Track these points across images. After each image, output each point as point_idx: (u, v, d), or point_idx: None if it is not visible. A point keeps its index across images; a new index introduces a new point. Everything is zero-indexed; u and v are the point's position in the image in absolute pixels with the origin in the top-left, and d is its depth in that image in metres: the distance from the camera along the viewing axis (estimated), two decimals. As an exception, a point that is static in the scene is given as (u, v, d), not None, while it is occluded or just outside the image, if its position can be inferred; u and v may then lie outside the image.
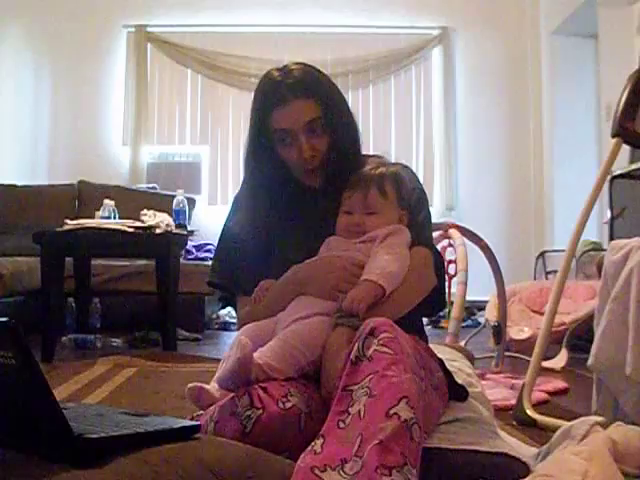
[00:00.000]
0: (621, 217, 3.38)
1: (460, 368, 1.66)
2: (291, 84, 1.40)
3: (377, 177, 1.39)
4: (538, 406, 2.17)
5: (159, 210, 3.66)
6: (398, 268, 1.31)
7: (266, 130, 1.43)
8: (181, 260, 3.88)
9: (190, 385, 1.22)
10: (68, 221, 3.45)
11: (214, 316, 4.84)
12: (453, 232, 2.89)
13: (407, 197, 1.43)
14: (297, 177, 1.47)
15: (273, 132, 1.42)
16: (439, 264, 1.45)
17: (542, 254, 5.49)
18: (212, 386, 1.23)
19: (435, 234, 2.68)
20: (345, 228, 1.39)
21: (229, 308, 5.48)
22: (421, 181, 1.55)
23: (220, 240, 1.56)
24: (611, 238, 3.28)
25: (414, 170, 1.56)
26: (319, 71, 1.47)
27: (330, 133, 1.43)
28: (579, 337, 3.39)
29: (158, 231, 3.44)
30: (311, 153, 1.40)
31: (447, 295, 2.57)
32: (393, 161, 1.55)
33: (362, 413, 1.00)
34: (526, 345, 3.32)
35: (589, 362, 1.89)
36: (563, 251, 2.20)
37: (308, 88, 1.41)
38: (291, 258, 1.40)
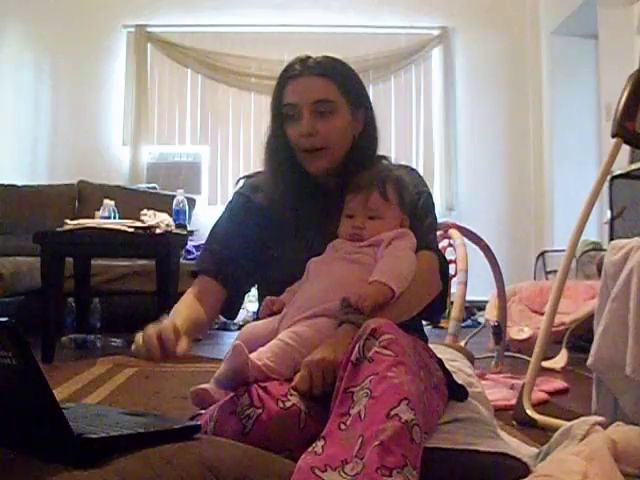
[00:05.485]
0: (621, 217, 3.37)
1: (460, 368, 1.66)
2: (311, 62, 1.43)
3: (379, 180, 1.38)
4: (538, 406, 2.17)
5: (159, 210, 3.65)
6: (407, 271, 1.30)
7: (279, 106, 1.43)
8: (181, 260, 3.87)
9: (192, 389, 1.22)
10: (68, 221, 3.44)
11: (214, 316, 4.83)
12: (453, 232, 2.89)
13: (409, 201, 1.41)
14: (302, 165, 1.43)
15: (283, 107, 1.42)
16: (444, 269, 1.44)
17: (542, 254, 5.49)
18: (211, 386, 1.23)
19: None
20: (347, 232, 1.38)
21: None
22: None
23: (211, 231, 1.51)
24: (611, 238, 3.27)
25: (414, 171, 1.54)
26: (346, 64, 1.47)
27: (339, 119, 1.40)
28: (579, 337, 3.39)
29: (158, 231, 3.43)
30: (309, 130, 1.38)
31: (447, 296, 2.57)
32: (394, 162, 1.53)
33: (362, 414, 0.99)
34: (526, 345, 3.33)
35: (589, 362, 1.89)
36: (563, 251, 2.20)
37: (325, 69, 1.42)
38: (291, 257, 1.40)
